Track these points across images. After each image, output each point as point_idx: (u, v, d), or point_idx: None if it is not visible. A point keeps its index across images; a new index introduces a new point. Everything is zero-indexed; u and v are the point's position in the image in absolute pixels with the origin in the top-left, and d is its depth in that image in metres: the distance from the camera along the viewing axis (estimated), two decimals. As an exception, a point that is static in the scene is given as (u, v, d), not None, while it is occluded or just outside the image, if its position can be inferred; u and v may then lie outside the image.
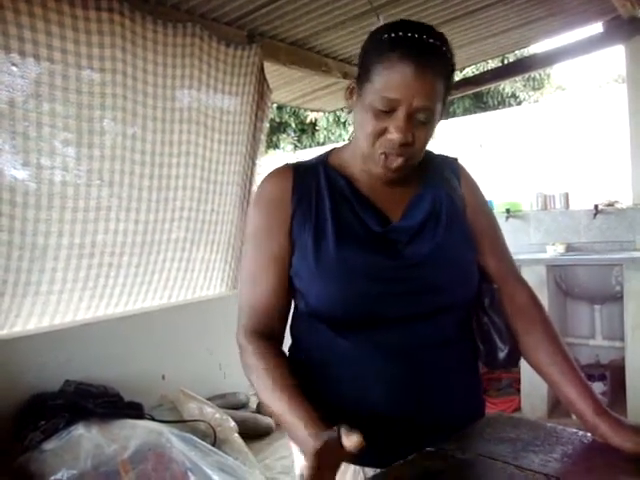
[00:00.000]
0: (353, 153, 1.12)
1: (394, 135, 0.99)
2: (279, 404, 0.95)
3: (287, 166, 1.13)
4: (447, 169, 1.19)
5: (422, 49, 0.98)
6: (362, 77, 1.03)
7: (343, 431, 0.81)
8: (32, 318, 2.64)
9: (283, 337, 1.10)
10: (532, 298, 1.15)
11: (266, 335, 1.05)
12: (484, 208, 1.21)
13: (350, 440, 0.80)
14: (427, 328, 1.05)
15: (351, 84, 1.10)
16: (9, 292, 2.49)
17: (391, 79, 0.97)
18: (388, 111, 0.98)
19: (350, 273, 1.01)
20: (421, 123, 1.00)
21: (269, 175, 1.13)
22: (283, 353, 1.05)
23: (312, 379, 1.03)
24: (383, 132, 1.00)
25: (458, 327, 1.11)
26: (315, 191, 1.09)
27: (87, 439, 2.12)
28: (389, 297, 1.02)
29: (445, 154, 1.26)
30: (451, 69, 1.04)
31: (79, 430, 2.16)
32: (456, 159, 1.23)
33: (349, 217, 1.07)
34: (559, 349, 1.08)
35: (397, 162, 1.02)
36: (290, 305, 1.11)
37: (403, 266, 1.04)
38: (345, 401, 1.05)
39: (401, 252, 1.05)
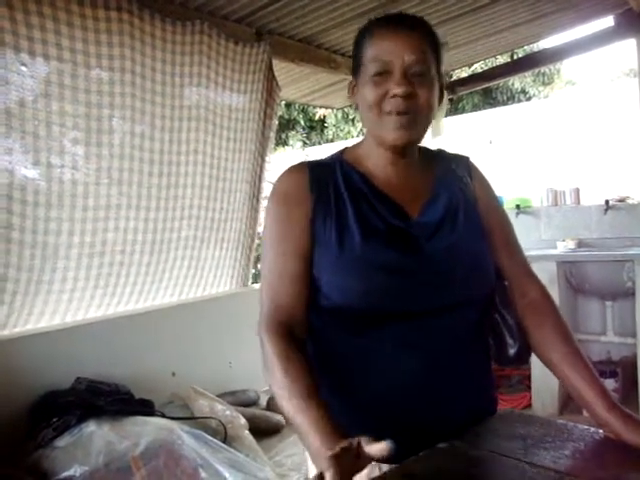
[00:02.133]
0: (366, 149, 1.15)
1: (395, 90, 1.03)
2: (296, 409, 0.93)
3: (302, 164, 1.15)
4: (459, 167, 1.21)
5: (403, 19, 1.09)
6: (357, 65, 1.11)
7: (364, 440, 0.79)
8: (44, 316, 2.66)
9: (305, 333, 1.07)
10: (544, 294, 1.16)
11: (289, 330, 1.03)
12: (495, 205, 1.22)
13: (376, 447, 0.78)
14: (446, 323, 1.06)
15: (351, 81, 1.15)
16: (21, 290, 2.51)
17: (380, 45, 1.06)
18: (384, 74, 1.04)
19: (375, 267, 1.03)
20: (419, 78, 1.05)
21: (285, 172, 1.15)
22: (304, 352, 1.02)
23: (329, 376, 1.04)
24: (385, 95, 1.04)
25: (475, 324, 1.12)
26: (333, 188, 1.10)
27: (99, 436, 2.13)
28: (411, 291, 1.03)
29: (457, 152, 1.28)
30: (435, 36, 1.10)
31: (91, 427, 2.17)
32: (468, 157, 1.26)
33: (369, 212, 1.08)
34: (570, 345, 1.08)
35: (406, 119, 1.05)
36: (309, 301, 1.09)
37: (424, 261, 1.05)
38: (361, 396, 1.06)
39: (422, 247, 1.06)
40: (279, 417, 3.11)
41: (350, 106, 1.28)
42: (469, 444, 0.96)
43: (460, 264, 1.07)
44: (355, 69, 1.12)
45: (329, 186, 1.10)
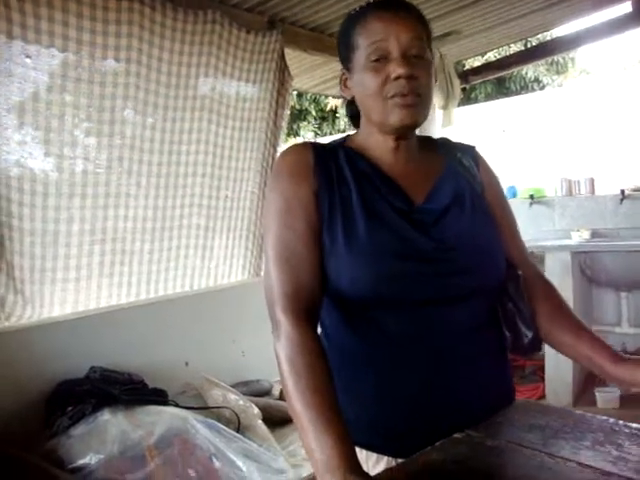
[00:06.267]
0: (366, 138, 1.15)
1: (397, 71, 1.02)
2: (313, 418, 0.90)
3: (306, 143, 1.15)
4: (465, 156, 1.20)
5: (395, 2, 1.08)
6: (348, 54, 1.10)
7: None
8: (55, 307, 2.67)
9: (319, 318, 1.05)
10: (536, 273, 1.20)
11: (306, 316, 0.99)
12: (501, 196, 1.23)
13: None
14: (457, 312, 1.05)
15: (342, 73, 1.15)
16: (27, 279, 2.51)
17: (373, 28, 1.05)
18: (382, 59, 1.04)
19: (382, 253, 1.01)
20: (417, 60, 1.05)
21: (288, 149, 1.14)
22: (324, 351, 0.98)
23: (336, 365, 1.00)
24: (386, 80, 1.04)
25: (486, 312, 1.11)
26: (336, 171, 1.09)
27: (113, 425, 2.15)
28: (420, 277, 1.02)
29: (463, 142, 1.27)
30: (426, 23, 1.12)
31: (105, 416, 2.19)
32: (474, 147, 1.25)
33: (375, 198, 1.07)
34: (568, 314, 1.14)
35: (411, 99, 1.04)
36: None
37: (433, 247, 1.04)
38: (372, 387, 1.04)
39: (429, 233, 1.05)
40: (292, 407, 3.11)
41: (344, 99, 1.25)
42: (486, 434, 0.96)
43: (471, 252, 1.06)
44: (346, 59, 1.11)
45: (332, 170, 1.09)
